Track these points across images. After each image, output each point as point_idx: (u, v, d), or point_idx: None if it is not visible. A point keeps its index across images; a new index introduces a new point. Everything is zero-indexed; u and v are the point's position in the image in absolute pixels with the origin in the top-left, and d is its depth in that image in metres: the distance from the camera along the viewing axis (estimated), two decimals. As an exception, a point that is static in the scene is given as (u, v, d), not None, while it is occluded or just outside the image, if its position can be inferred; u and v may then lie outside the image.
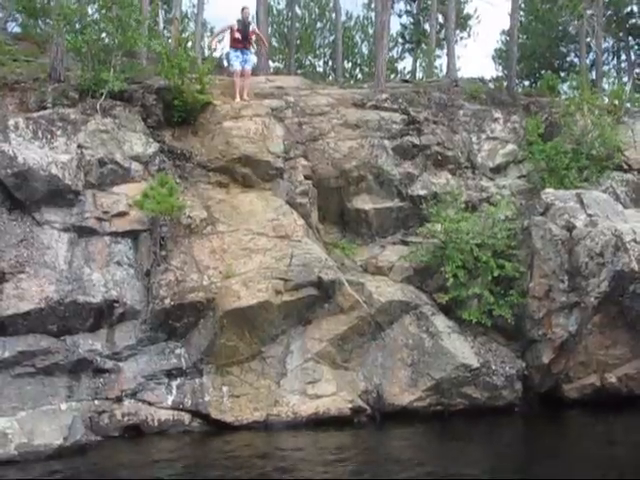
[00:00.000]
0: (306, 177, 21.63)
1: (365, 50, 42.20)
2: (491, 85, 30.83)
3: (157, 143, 20.95)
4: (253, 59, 24.50)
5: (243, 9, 23.68)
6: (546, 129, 25.53)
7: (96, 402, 17.76)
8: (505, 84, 29.13)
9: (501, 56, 44.94)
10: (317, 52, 41.53)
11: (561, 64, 44.30)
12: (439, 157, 23.76)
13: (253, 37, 24.35)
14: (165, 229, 19.24)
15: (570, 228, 20.61)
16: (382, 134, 22.98)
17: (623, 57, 46.03)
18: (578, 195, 21.60)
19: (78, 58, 21.84)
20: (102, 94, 20.41)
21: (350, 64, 40.73)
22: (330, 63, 41.32)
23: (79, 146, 19.40)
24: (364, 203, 22.57)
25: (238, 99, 22.46)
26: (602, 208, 21.27)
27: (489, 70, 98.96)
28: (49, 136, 19.32)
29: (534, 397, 20.90)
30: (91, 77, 20.74)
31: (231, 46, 23.61)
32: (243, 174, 21.29)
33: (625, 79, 37.14)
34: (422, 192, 23.02)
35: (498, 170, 24.80)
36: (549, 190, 22.21)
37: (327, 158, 22.14)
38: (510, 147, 25.20)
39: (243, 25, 23.56)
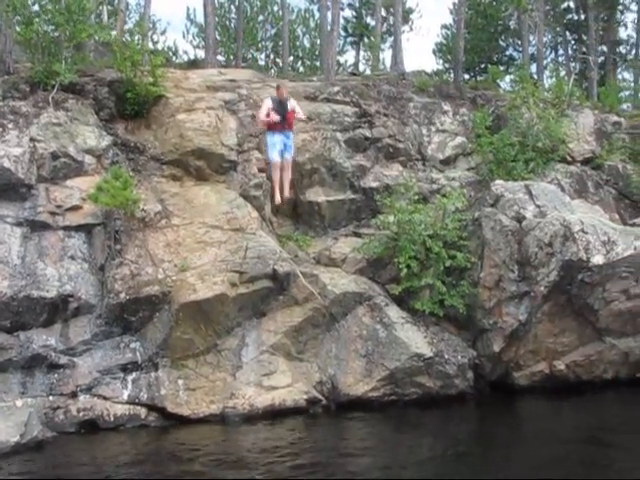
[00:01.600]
0: (259, 170, 21.12)
1: (307, 43, 41.74)
2: (437, 78, 30.56)
3: (110, 136, 20.34)
4: (290, 140, 20.72)
5: (278, 87, 20.62)
6: (493, 122, 25.45)
7: (51, 398, 17.15)
8: (452, 77, 28.83)
9: (442, 50, 44.87)
10: (259, 45, 40.85)
11: (500, 58, 44.38)
12: (390, 149, 23.53)
13: (294, 117, 20.66)
14: (119, 223, 18.68)
15: (520, 219, 20.56)
16: (334, 127, 22.68)
17: (561, 52, 46.17)
18: (527, 187, 21.56)
19: (27, 50, 21.17)
20: (54, 86, 19.75)
21: (292, 57, 40.17)
22: (272, 56, 40.78)
23: (31, 139, 18.76)
24: (317, 195, 22.22)
25: (278, 199, 20.65)
26: (550, 199, 21.28)
27: (430, 64, 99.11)
28: (0, 129, 18.65)
29: (485, 385, 20.74)
30: (42, 69, 20.03)
31: (268, 129, 20.48)
32: (197, 167, 20.78)
33: (563, 73, 37.09)
34: (374, 184, 22.73)
35: (448, 162, 24.67)
36: (499, 182, 22.11)
37: (280, 151, 21.53)
38: (459, 140, 25.06)
39: (280, 104, 20.32)
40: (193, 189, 20.49)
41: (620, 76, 44.61)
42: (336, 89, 23.75)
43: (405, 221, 20.53)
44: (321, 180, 22.30)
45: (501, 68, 38.04)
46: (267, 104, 20.08)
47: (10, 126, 18.77)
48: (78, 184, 18.99)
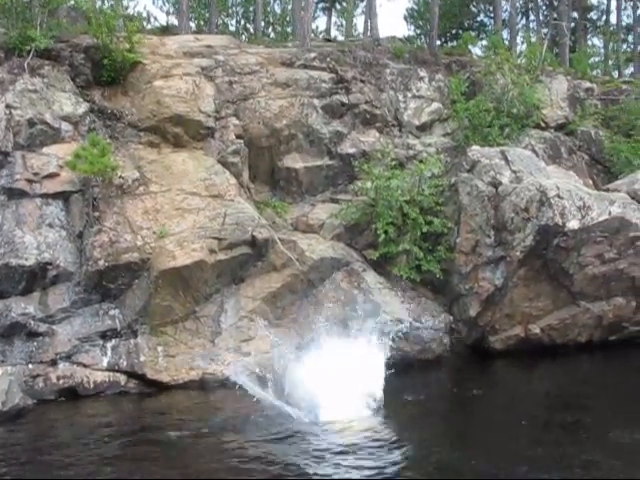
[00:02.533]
0: (237, 136, 20.95)
1: (277, 9, 41.08)
2: (411, 44, 30.22)
3: (87, 103, 19.99)
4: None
5: None
6: (468, 88, 25.26)
7: (30, 366, 16.92)
8: (426, 43, 28.50)
9: (413, 15, 44.30)
10: (229, 11, 40.09)
11: (471, 24, 43.99)
12: (367, 115, 23.31)
13: None
14: (97, 190, 18.43)
15: (496, 184, 20.51)
16: (311, 93, 22.40)
17: (532, 17, 45.83)
18: (502, 152, 21.48)
19: (2, 15, 20.44)
20: (29, 52, 19.34)
21: (263, 23, 39.44)
22: (242, 22, 40.08)
23: (7, 106, 18.43)
24: (294, 162, 21.99)
25: None
26: (526, 165, 21.23)
27: (401, 30, 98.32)
28: (-25, 97, 18.21)
29: (461, 349, 20.75)
30: (16, 35, 19.56)
31: None
32: (174, 134, 20.50)
33: (534, 39, 36.74)
34: (351, 150, 22.55)
35: (424, 128, 24.49)
36: (475, 147, 21.98)
37: (258, 117, 21.50)
38: (435, 105, 24.85)
39: None
40: (171, 156, 20.20)
41: (589, 42, 44.46)
42: (312, 55, 23.43)
43: (382, 187, 20.40)
44: (298, 146, 22.03)
45: (472, 34, 37.62)
46: None
47: (-16, 93, 18.38)
48: (55, 151, 18.65)
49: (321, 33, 38.45)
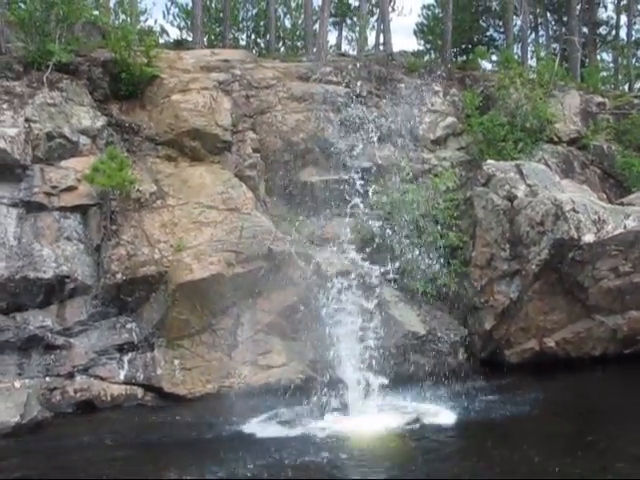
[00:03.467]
0: (254, 150, 20.81)
1: (288, 24, 40.88)
2: (424, 59, 30.05)
3: (105, 117, 19.90)
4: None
5: None
6: (482, 102, 25.04)
7: (47, 379, 16.76)
8: (439, 58, 28.32)
9: (423, 30, 44.08)
10: (240, 25, 39.91)
11: (481, 39, 43.75)
12: (382, 130, 22.96)
13: None
14: (115, 203, 18.30)
15: (511, 198, 20.28)
16: (327, 107, 22.18)
17: (541, 32, 45.61)
18: (517, 166, 21.25)
19: (20, 30, 20.46)
20: (48, 66, 19.20)
21: (273, 37, 39.25)
22: (253, 36, 39.89)
23: (27, 120, 18.29)
24: (310, 176, 21.69)
25: None
26: (540, 178, 20.98)
27: (410, 44, 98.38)
28: (-5, 110, 18.10)
29: (476, 362, 20.46)
30: (35, 49, 19.44)
31: None
32: (192, 147, 20.34)
33: (543, 54, 36.49)
34: (366, 164, 22.16)
35: (438, 142, 24.19)
36: (490, 161, 21.77)
37: (275, 131, 21.33)
38: (450, 120, 24.58)
39: None
40: (188, 169, 20.04)
41: (599, 57, 44.24)
42: (328, 69, 23.25)
43: (398, 201, 20.12)
44: (314, 160, 21.75)
45: (483, 49, 37.40)
46: None
47: (5, 106, 18.28)
48: (73, 165, 18.52)
49: (331, 47, 38.24)
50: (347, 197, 22.02)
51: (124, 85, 20.31)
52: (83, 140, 19.01)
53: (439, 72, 25.95)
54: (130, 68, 20.16)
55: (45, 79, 18.95)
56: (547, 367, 19.64)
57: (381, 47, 30.59)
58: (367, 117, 22.73)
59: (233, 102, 21.17)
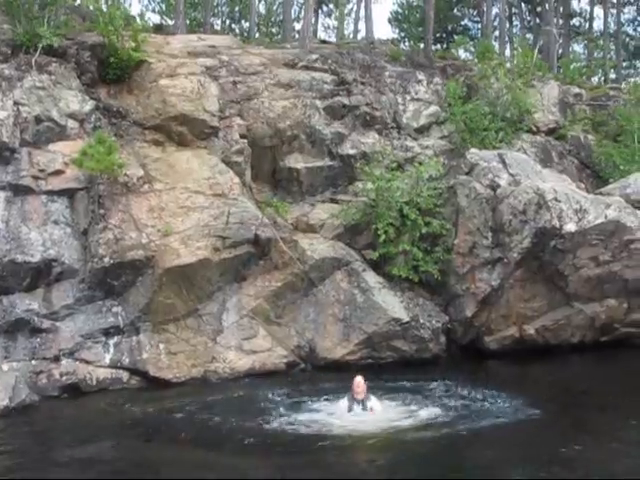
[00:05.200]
0: (241, 136, 20.44)
1: (262, 10, 40.41)
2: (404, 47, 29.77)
3: (93, 101, 19.38)
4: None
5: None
6: (463, 91, 24.73)
7: (33, 362, 16.44)
8: (422, 46, 28.03)
9: (398, 19, 43.74)
10: (215, 11, 39.34)
11: (455, 28, 43.56)
12: (367, 117, 22.85)
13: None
14: (102, 187, 17.84)
15: (494, 187, 20.14)
16: (314, 94, 21.93)
17: (515, 23, 45.59)
18: (500, 155, 21.17)
19: (7, 12, 19.76)
20: (36, 49, 18.68)
21: (248, 24, 38.72)
22: (227, 22, 39.41)
23: (15, 103, 17.78)
24: (296, 162, 21.49)
25: None
26: (523, 168, 20.91)
27: (384, 32, 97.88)
28: (-17, 93, 17.68)
29: (457, 349, 20.43)
30: (24, 32, 18.87)
31: None
32: (179, 132, 19.92)
33: (516, 44, 36.36)
34: (351, 151, 22.08)
35: (422, 131, 24.06)
36: (473, 150, 21.63)
37: (262, 117, 21.00)
38: (433, 108, 24.40)
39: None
40: (175, 154, 19.64)
41: (571, 48, 44.13)
42: (314, 57, 22.98)
43: (384, 188, 19.96)
44: (300, 147, 21.53)
45: (463, 38, 37.18)
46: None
47: (-8, 89, 17.84)
48: (61, 148, 18.04)
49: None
50: (332, 184, 21.83)
51: (112, 69, 19.82)
52: (71, 124, 18.50)
53: (420, 61, 25.69)
54: (118, 52, 19.68)
55: (34, 62, 18.44)
56: (527, 354, 19.58)
57: (359, 35, 30.25)
58: (352, 104, 22.51)
59: (220, 88, 20.78)
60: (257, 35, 37.24)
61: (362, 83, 22.90)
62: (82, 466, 11.86)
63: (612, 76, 39.90)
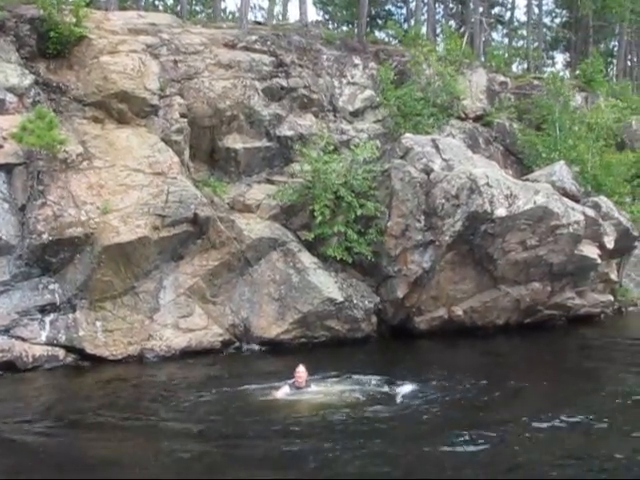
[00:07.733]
0: (181, 115, 19.88)
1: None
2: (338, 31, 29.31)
3: (32, 75, 18.58)
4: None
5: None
6: (396, 76, 24.47)
7: (-33, 339, 15.91)
8: (356, 31, 27.65)
9: (322, 1, 43.02)
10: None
11: (378, 12, 43.01)
12: (305, 100, 22.53)
13: None
14: (41, 163, 17.10)
15: (428, 171, 20.14)
16: (253, 75, 21.48)
17: (438, 10, 45.24)
18: (434, 140, 21.21)
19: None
20: (-26, 21, 17.58)
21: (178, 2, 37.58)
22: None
23: (-49, 75, 16.74)
24: (234, 142, 21.04)
25: None
26: (455, 153, 21.00)
27: (310, 15, 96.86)
28: None
29: (387, 329, 20.42)
30: (-39, 3, 17.80)
31: None
32: (119, 110, 19.27)
33: (439, 30, 36.03)
34: (289, 133, 21.75)
35: (357, 114, 23.85)
36: (408, 135, 21.57)
37: (202, 97, 20.45)
38: (368, 92, 24.19)
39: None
40: (115, 132, 18.99)
41: (493, 37, 44.19)
42: (254, 38, 22.42)
43: (321, 170, 19.66)
44: (239, 127, 21.08)
45: (393, 22, 36.78)
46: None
47: None
48: (-1, 122, 17.35)
49: (230, 14, 36.78)
50: (269, 164, 21.42)
51: (52, 44, 18.96)
52: (10, 98, 17.71)
53: (354, 45, 25.30)
54: (58, 27, 18.84)
55: (-29, 34, 17.51)
56: (454, 334, 19.81)
57: (289, 17, 29.58)
58: (290, 86, 22.13)
59: (161, 66, 20.15)
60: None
61: (300, 66, 22.54)
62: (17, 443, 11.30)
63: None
